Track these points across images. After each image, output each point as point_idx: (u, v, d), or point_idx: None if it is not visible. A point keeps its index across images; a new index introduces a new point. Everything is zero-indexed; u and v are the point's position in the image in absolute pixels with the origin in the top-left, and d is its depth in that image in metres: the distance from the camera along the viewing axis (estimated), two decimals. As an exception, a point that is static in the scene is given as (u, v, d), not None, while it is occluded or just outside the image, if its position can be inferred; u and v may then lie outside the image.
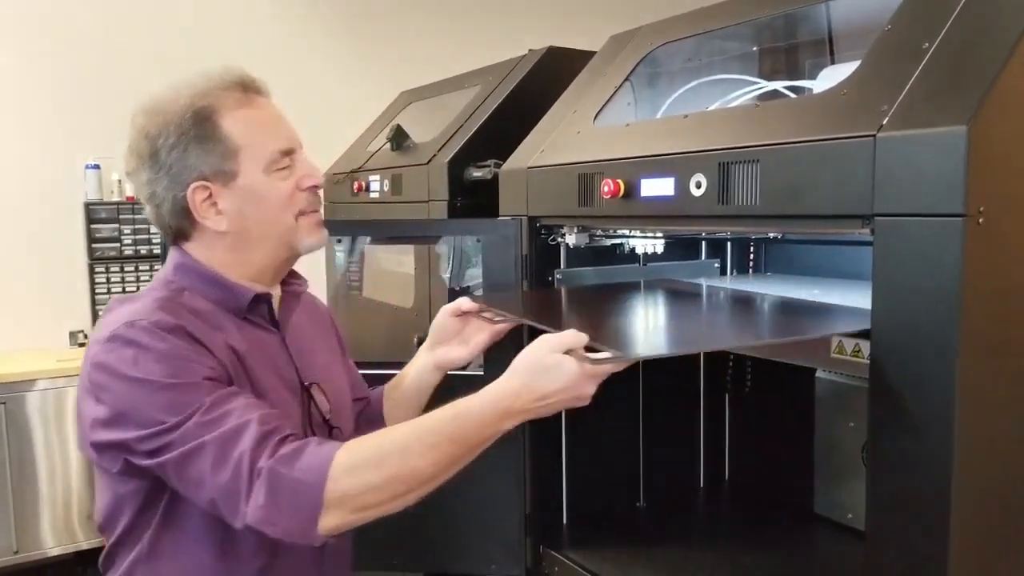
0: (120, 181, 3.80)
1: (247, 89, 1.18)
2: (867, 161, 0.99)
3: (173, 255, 1.20)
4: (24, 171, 3.71)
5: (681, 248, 1.96)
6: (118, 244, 3.79)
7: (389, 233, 2.10)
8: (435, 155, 2.18)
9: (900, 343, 1.00)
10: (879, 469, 1.05)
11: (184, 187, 1.12)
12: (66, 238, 3.78)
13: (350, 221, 2.58)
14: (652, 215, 1.36)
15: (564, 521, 1.81)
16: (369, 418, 1.45)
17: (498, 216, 1.78)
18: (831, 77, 1.48)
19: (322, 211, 1.27)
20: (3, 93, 3.68)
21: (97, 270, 3.76)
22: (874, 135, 0.99)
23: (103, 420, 1.03)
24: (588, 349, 1.04)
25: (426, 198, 2.19)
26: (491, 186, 1.90)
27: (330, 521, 0.97)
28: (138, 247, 3.83)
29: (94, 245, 3.75)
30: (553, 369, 1.02)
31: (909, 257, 0.96)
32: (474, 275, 2.16)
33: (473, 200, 2.06)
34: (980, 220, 0.91)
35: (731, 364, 2.01)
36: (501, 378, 1.04)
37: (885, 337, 1.02)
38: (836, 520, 1.76)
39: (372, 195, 2.52)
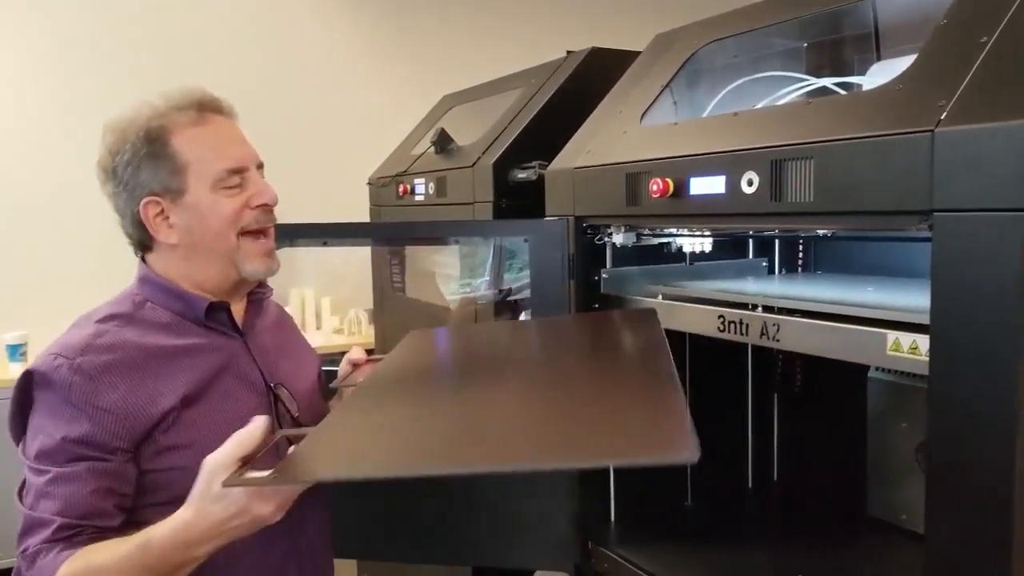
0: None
1: (203, 109, 1.23)
2: (925, 156, 0.98)
3: (138, 269, 1.28)
4: (83, 169, 3.82)
5: (729, 247, 1.95)
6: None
7: (436, 234, 2.13)
8: (480, 157, 2.19)
9: (960, 342, 0.98)
10: (938, 472, 1.04)
11: (137, 202, 1.20)
12: (123, 236, 3.88)
13: (400, 223, 2.61)
14: (702, 213, 1.36)
15: (612, 518, 1.82)
16: None
17: (544, 217, 1.79)
18: (882, 72, 1.47)
19: (271, 239, 1.29)
20: (68, 88, 3.80)
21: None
22: (932, 130, 0.98)
23: None
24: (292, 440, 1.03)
25: (471, 200, 2.21)
26: (535, 187, 1.91)
27: None
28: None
29: (148, 248, 3.85)
30: (220, 496, 0.95)
31: (970, 254, 0.95)
32: (511, 279, 2.18)
33: (517, 202, 2.08)
34: (1047, 214, 0.89)
35: (780, 363, 2.00)
36: (182, 507, 1.00)
37: (944, 336, 1.00)
38: (890, 522, 1.73)
39: (417, 198, 2.55)
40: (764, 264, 1.98)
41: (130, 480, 1.14)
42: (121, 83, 3.87)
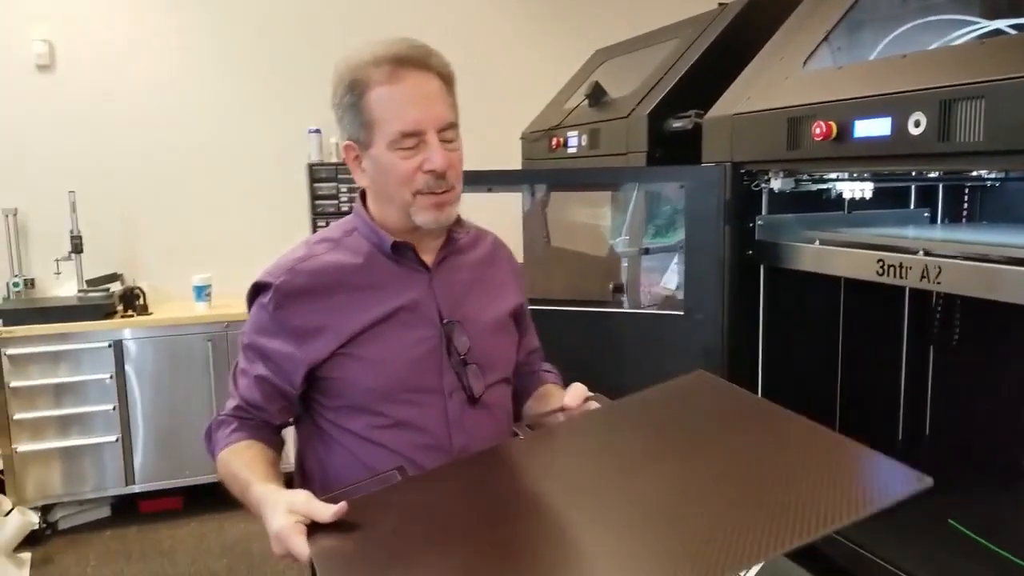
0: (338, 144, 4.19)
1: (401, 64, 1.24)
2: (1106, 91, 0.99)
3: (356, 202, 1.40)
4: (261, 136, 4.22)
5: (890, 197, 1.94)
6: (336, 201, 4.20)
7: (597, 180, 2.22)
8: (634, 108, 2.27)
9: None
10: None
11: (344, 141, 1.31)
12: (293, 195, 4.25)
13: (562, 170, 2.70)
14: (865, 156, 1.39)
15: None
16: (515, 393, 1.52)
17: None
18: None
19: (454, 193, 1.31)
20: (241, 72, 4.18)
21: (319, 224, 4.19)
22: (1115, 64, 0.98)
23: None
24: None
25: (624, 150, 2.29)
26: (688, 138, 1.97)
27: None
28: (353, 204, 4.21)
29: (316, 202, 4.18)
30: (270, 515, 1.08)
31: None
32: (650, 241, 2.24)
33: (671, 152, 2.14)
34: None
35: (939, 312, 1.98)
36: (273, 490, 1.14)
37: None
38: (1051, 477, 1.71)
39: (570, 150, 2.65)
40: (926, 214, 1.96)
41: (296, 390, 1.32)
42: (301, 52, 4.21)
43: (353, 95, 1.26)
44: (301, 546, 1.03)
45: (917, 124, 1.26)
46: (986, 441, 1.91)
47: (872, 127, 1.34)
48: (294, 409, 1.36)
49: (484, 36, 4.48)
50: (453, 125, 1.29)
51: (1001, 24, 1.60)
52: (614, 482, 1.09)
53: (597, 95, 2.53)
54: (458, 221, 1.39)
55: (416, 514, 1.12)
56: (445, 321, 1.33)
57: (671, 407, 1.27)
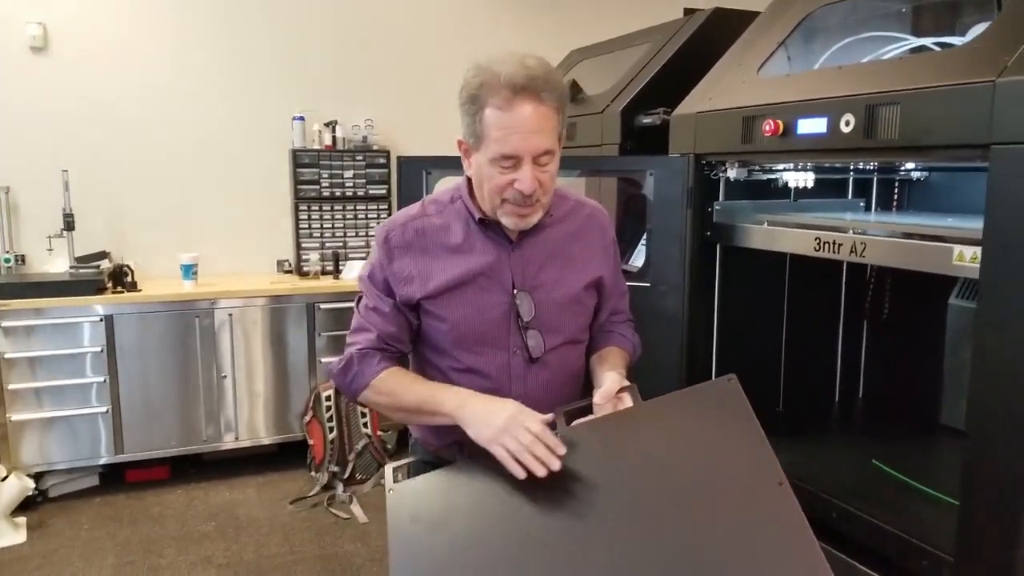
0: (320, 131, 4.38)
1: (518, 92, 1.35)
2: (987, 102, 1.26)
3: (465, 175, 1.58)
4: (243, 122, 4.38)
5: (831, 187, 2.22)
6: (317, 186, 4.38)
7: (574, 168, 2.45)
8: (608, 105, 2.51)
9: (1008, 253, 1.27)
10: (979, 368, 1.33)
11: (460, 136, 1.50)
12: (276, 180, 4.43)
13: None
14: (806, 149, 1.66)
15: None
16: (588, 348, 1.66)
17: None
18: (976, 34, 1.70)
19: (538, 206, 1.45)
20: (231, 59, 4.34)
21: (300, 208, 4.38)
22: (994, 81, 1.25)
23: None
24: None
25: (599, 142, 2.53)
26: (657, 133, 2.22)
27: (359, 402, 1.57)
28: (333, 189, 4.41)
29: (298, 186, 4.35)
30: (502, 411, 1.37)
31: (1017, 177, 1.23)
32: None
33: (640, 144, 2.39)
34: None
35: (871, 292, 2.26)
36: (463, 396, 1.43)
37: (994, 250, 1.29)
38: (958, 428, 1.99)
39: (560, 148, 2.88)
40: (862, 203, 2.24)
41: (411, 322, 1.54)
42: (289, 42, 4.39)
43: (473, 107, 1.40)
44: (551, 447, 1.30)
45: (848, 124, 1.53)
46: (910, 400, 2.20)
47: (812, 125, 1.61)
48: (413, 336, 1.57)
49: (465, 34, 4.69)
50: (549, 152, 1.41)
51: (927, 41, 1.88)
52: (586, 524, 1.23)
53: (573, 92, 2.76)
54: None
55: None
56: (516, 290, 1.51)
57: (683, 430, 1.37)
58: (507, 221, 1.48)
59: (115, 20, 4.12)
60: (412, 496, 1.40)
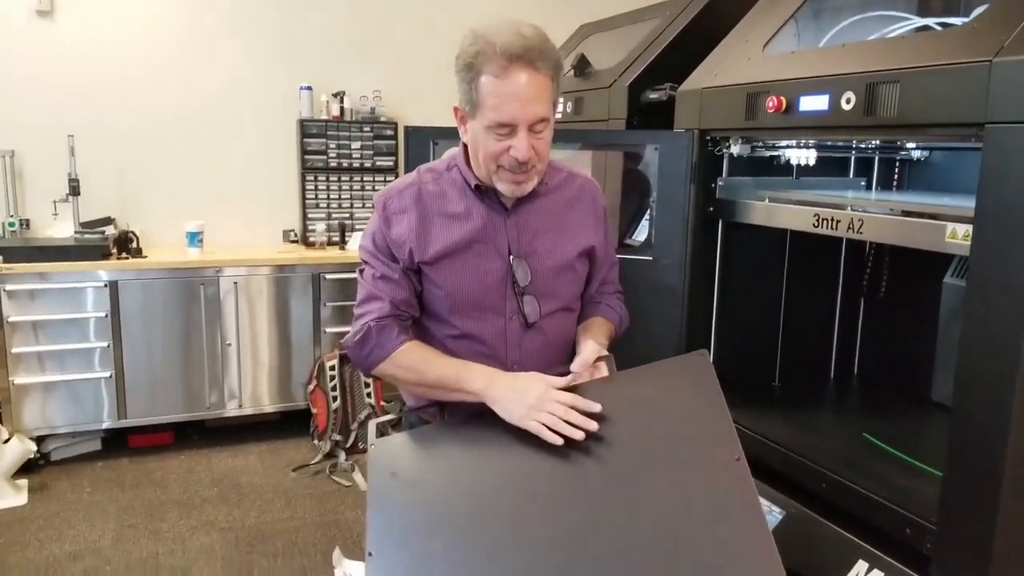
0: (328, 101, 4.39)
1: (513, 61, 1.37)
2: (983, 81, 1.28)
3: (461, 143, 1.61)
4: (251, 91, 4.39)
5: (833, 166, 2.24)
6: (325, 156, 4.40)
7: (582, 141, 2.47)
8: (616, 80, 2.52)
9: (999, 232, 1.30)
10: (966, 344, 1.36)
11: (457, 103, 1.52)
12: (283, 150, 4.44)
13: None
14: (807, 126, 1.68)
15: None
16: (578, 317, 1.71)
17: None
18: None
19: (533, 172, 1.47)
20: (239, 27, 4.33)
21: (307, 179, 4.40)
22: (991, 60, 1.27)
23: None
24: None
25: (606, 117, 2.55)
26: (663, 108, 2.24)
27: (374, 374, 1.56)
28: (341, 160, 4.43)
29: (305, 156, 4.37)
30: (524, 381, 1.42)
31: (1010, 157, 1.25)
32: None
33: (647, 119, 2.41)
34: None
35: (869, 270, 2.29)
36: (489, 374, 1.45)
37: (985, 228, 1.32)
38: (948, 405, 2.04)
39: (555, 115, 2.90)
40: (863, 183, 2.26)
41: (416, 287, 1.56)
42: (297, 12, 4.38)
43: (469, 74, 1.42)
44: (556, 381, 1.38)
45: (848, 101, 1.55)
46: (904, 377, 2.24)
47: (814, 103, 1.63)
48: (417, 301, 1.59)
49: (475, 6, 4.67)
50: (544, 119, 1.44)
51: (931, 21, 1.89)
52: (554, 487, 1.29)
53: (582, 66, 2.77)
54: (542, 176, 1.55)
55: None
56: (512, 256, 1.54)
57: (652, 400, 1.42)
58: (503, 188, 1.50)
59: (122, -15, 4.12)
60: (392, 452, 1.45)
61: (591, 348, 1.51)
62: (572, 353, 1.56)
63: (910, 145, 2.08)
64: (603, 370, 1.49)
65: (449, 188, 1.57)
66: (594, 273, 1.69)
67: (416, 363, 1.51)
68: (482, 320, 1.55)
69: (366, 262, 1.58)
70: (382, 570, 1.23)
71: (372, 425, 1.54)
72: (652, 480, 1.27)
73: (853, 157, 2.26)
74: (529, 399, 1.37)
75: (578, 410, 1.35)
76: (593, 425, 1.33)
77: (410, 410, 1.68)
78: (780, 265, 2.24)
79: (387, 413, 4.09)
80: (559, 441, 1.32)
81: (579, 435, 1.32)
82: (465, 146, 1.56)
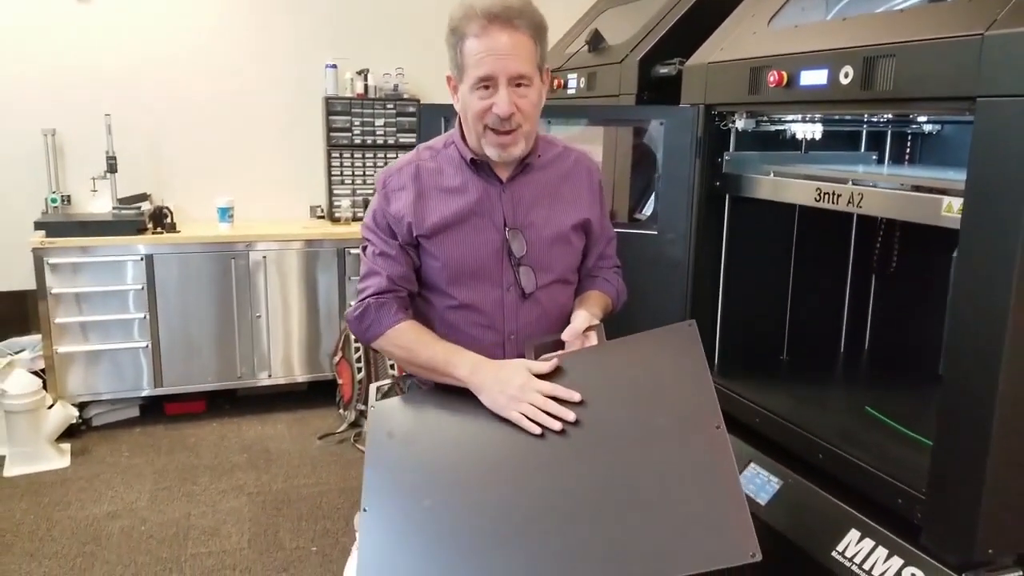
0: (352, 79, 4.45)
1: (491, 20, 1.44)
2: (975, 55, 1.28)
3: (456, 120, 1.66)
4: (278, 70, 4.47)
5: (845, 140, 2.24)
6: (349, 134, 4.46)
7: (586, 117, 2.50)
8: (627, 55, 2.53)
9: (988, 204, 1.30)
10: (956, 315, 1.38)
11: (448, 72, 1.58)
12: (309, 128, 4.52)
13: (559, 107, 2.96)
14: (808, 100, 1.68)
15: (716, 358, 2.22)
16: (576, 290, 1.75)
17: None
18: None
19: (518, 133, 1.51)
20: (266, 9, 4.41)
21: (332, 156, 4.47)
22: (983, 34, 1.27)
23: None
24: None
25: (617, 92, 2.56)
26: (674, 83, 2.25)
27: (373, 346, 1.62)
28: (365, 137, 4.49)
29: (331, 133, 4.44)
30: (506, 368, 1.45)
31: (1001, 130, 1.26)
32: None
33: (657, 95, 2.42)
34: (1057, 99, 1.19)
35: (879, 245, 2.29)
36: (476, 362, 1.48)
37: (975, 200, 1.33)
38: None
39: (569, 91, 2.92)
40: (874, 156, 2.25)
41: (415, 261, 1.62)
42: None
43: (454, 38, 1.50)
44: (539, 368, 1.42)
45: (847, 75, 1.55)
46: (913, 352, 2.24)
47: (814, 77, 1.63)
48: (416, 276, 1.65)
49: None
50: (524, 76, 1.48)
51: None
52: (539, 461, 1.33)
53: (596, 41, 2.78)
54: (533, 149, 1.61)
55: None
56: (507, 228, 1.59)
57: (637, 368, 1.46)
58: (491, 152, 1.54)
59: (155, -31, 4.21)
60: (391, 413, 1.53)
61: (582, 317, 1.55)
62: (567, 324, 1.60)
63: (921, 119, 2.06)
64: (593, 339, 1.53)
65: (446, 164, 1.62)
66: (591, 247, 1.72)
67: (410, 343, 1.57)
68: (480, 291, 1.59)
69: (367, 239, 1.64)
70: (375, 524, 1.30)
71: (372, 388, 1.60)
72: (630, 444, 1.31)
73: (864, 131, 2.25)
74: (511, 389, 1.40)
75: (559, 399, 1.38)
76: (571, 416, 1.36)
77: (406, 376, 1.75)
78: (789, 240, 2.25)
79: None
80: (537, 431, 1.36)
81: (556, 425, 1.35)
82: (461, 125, 1.60)
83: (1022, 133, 1.22)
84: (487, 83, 1.48)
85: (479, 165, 1.60)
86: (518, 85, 1.48)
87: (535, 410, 1.38)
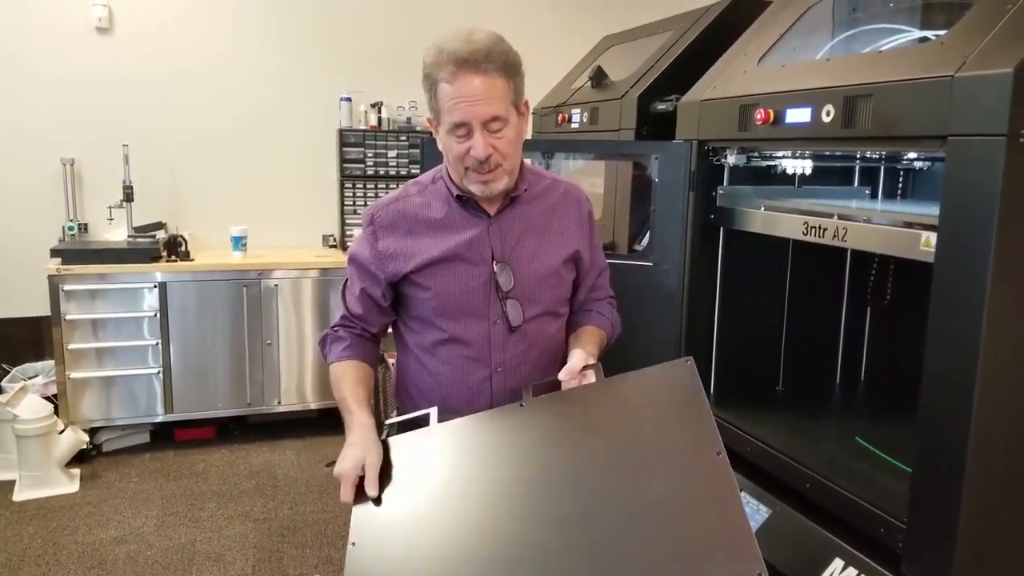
0: (366, 112, 4.56)
1: (462, 66, 1.44)
2: (946, 95, 1.33)
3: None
4: (294, 102, 4.59)
5: (838, 175, 2.28)
6: (363, 165, 4.56)
7: (585, 151, 2.57)
8: (627, 91, 2.61)
9: (959, 239, 1.34)
10: (933, 347, 1.41)
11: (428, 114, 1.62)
12: (323, 158, 4.63)
13: (558, 141, 3.05)
14: (793, 137, 1.74)
15: (712, 388, 2.25)
16: (568, 324, 1.76)
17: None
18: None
19: (499, 171, 1.52)
20: (282, 42, 4.55)
21: (346, 186, 4.57)
22: (952, 76, 1.32)
23: None
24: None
25: (618, 127, 2.63)
26: (672, 119, 2.31)
27: None
28: (378, 168, 4.59)
29: (344, 165, 4.54)
30: (351, 445, 1.44)
31: (970, 168, 1.30)
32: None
33: (656, 129, 2.48)
34: (1021, 139, 1.23)
35: (873, 278, 2.32)
36: (363, 429, 1.48)
37: (948, 236, 1.37)
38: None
39: (573, 125, 3.00)
40: (867, 191, 2.29)
41: (386, 301, 1.66)
42: (337, 26, 4.58)
43: (428, 83, 1.52)
44: (347, 495, 1.39)
45: (828, 114, 1.60)
46: (908, 383, 2.24)
47: (798, 115, 1.68)
48: (388, 320, 1.71)
49: (509, 19, 4.81)
50: (497, 118, 1.48)
51: (928, 33, 1.93)
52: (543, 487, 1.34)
53: (599, 78, 2.86)
54: (519, 182, 1.63)
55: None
56: (495, 262, 1.60)
57: (636, 404, 1.46)
58: (474, 188, 1.56)
59: (175, 5, 4.36)
60: (402, 449, 1.54)
61: (578, 356, 1.54)
62: (563, 360, 1.60)
63: (911, 155, 2.11)
64: (591, 378, 1.53)
65: (433, 199, 1.64)
66: (582, 278, 1.74)
67: (337, 380, 1.63)
68: (467, 324, 1.61)
69: (349, 268, 1.70)
70: (362, 560, 1.31)
71: (386, 424, 1.63)
72: (634, 477, 1.32)
73: (858, 166, 2.30)
74: (344, 463, 1.42)
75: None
76: (374, 492, 1.38)
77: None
78: (783, 272, 2.29)
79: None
80: (349, 500, 1.39)
81: (347, 497, 1.38)
82: (445, 165, 1.63)
83: (989, 170, 1.26)
84: (463, 127, 1.49)
85: (466, 201, 1.62)
86: (494, 127, 1.50)
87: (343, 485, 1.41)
